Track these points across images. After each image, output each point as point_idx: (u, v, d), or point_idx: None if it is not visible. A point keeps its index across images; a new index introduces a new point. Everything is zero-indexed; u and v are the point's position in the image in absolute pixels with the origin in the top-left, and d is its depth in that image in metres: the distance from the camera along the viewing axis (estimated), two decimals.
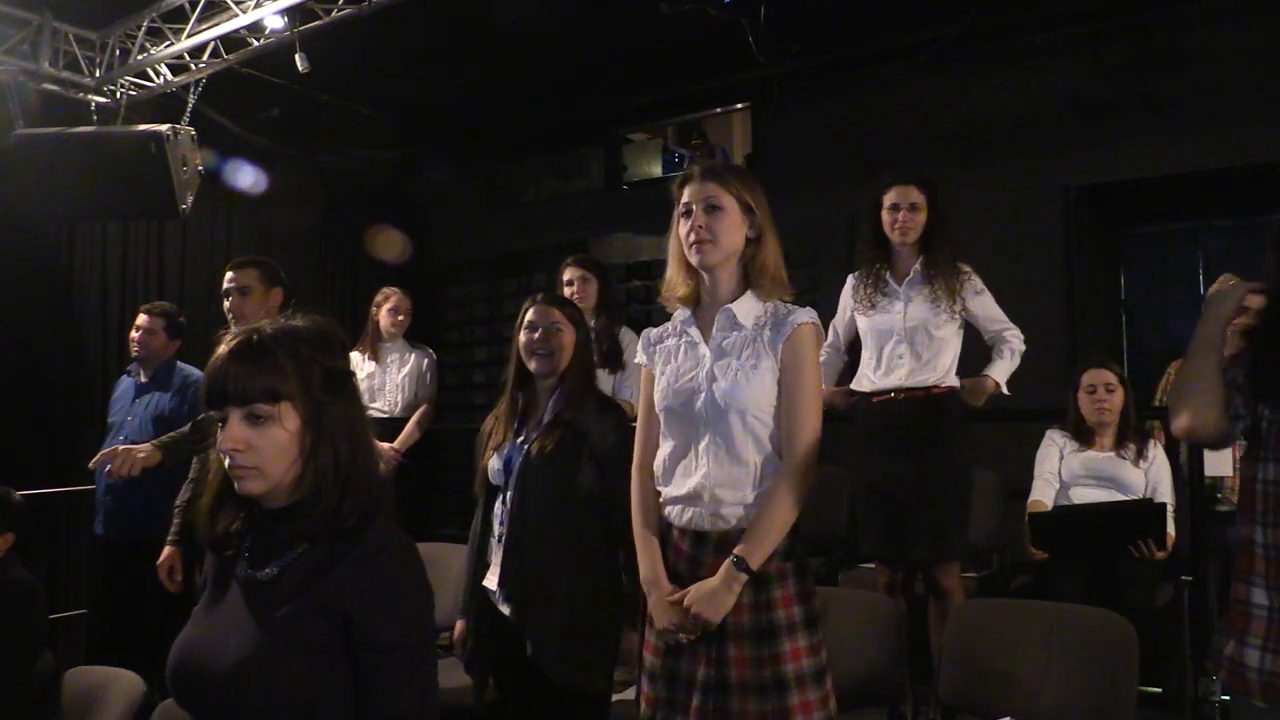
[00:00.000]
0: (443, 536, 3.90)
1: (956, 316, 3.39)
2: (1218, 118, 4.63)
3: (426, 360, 4.95)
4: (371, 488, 1.50)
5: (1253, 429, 1.82)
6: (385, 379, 4.86)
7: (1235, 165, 4.60)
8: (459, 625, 2.71)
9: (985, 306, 3.47)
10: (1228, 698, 1.89)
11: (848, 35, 5.24)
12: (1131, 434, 3.64)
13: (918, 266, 3.41)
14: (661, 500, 2.15)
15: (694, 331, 2.16)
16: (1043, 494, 3.67)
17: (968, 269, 3.45)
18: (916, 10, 4.85)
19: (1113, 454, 3.62)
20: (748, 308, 2.12)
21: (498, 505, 2.62)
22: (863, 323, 3.49)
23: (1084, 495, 3.59)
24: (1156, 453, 3.65)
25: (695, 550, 2.08)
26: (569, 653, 2.47)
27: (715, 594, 1.99)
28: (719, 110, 6.36)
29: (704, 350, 2.12)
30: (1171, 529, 3.49)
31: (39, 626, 2.88)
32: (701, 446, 2.07)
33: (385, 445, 4.55)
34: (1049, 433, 3.77)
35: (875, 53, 5.36)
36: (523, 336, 2.66)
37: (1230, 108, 4.61)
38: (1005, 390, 3.48)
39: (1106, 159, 4.93)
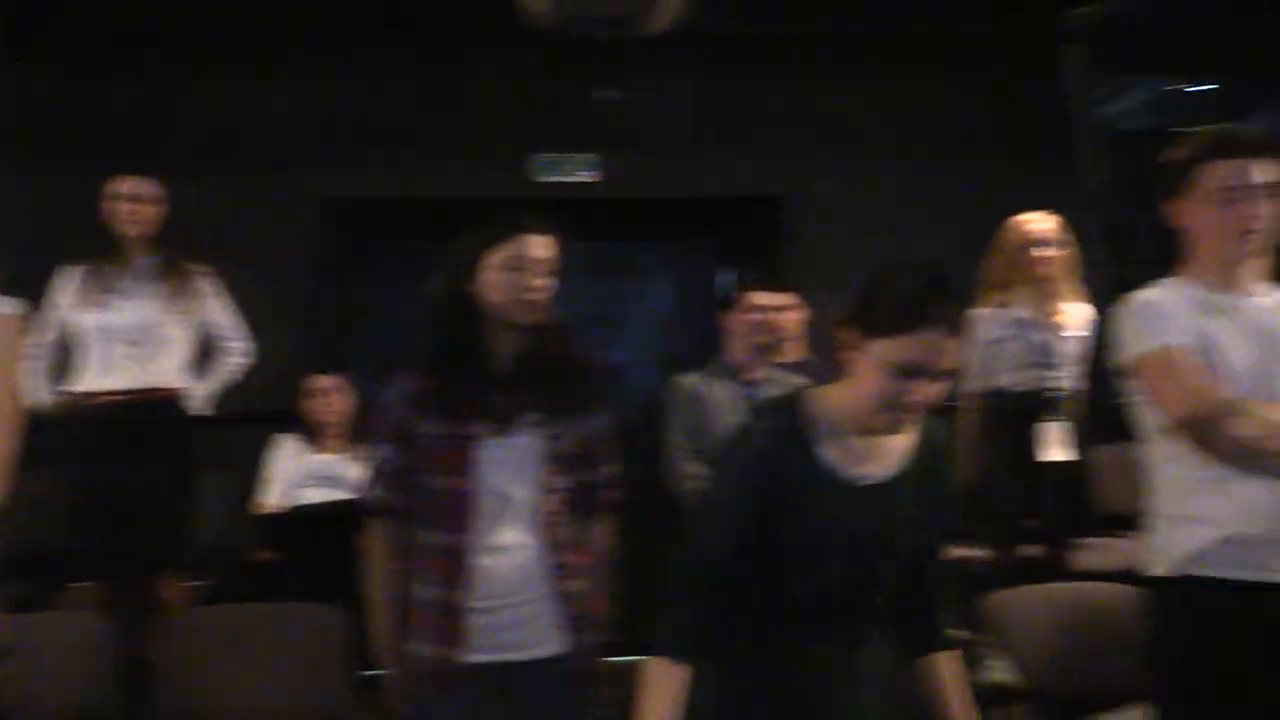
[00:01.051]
0: None
1: (189, 317, 3.36)
2: (456, 153, 5.15)
3: None
4: None
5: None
6: None
7: (461, 196, 5.17)
8: None
9: (216, 311, 3.49)
10: None
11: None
12: (358, 435, 3.86)
13: (150, 263, 3.31)
14: None
15: None
16: (272, 496, 3.77)
17: (205, 270, 3.43)
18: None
19: (339, 456, 3.83)
20: None
21: None
22: (84, 319, 3.28)
23: (312, 495, 3.74)
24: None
25: None
26: None
27: None
28: None
29: None
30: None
31: None
32: None
33: None
34: (279, 436, 3.89)
35: (140, 35, 4.95)
36: None
37: (470, 146, 5.14)
38: (208, 410, 3.51)
39: (361, 177, 5.20)
